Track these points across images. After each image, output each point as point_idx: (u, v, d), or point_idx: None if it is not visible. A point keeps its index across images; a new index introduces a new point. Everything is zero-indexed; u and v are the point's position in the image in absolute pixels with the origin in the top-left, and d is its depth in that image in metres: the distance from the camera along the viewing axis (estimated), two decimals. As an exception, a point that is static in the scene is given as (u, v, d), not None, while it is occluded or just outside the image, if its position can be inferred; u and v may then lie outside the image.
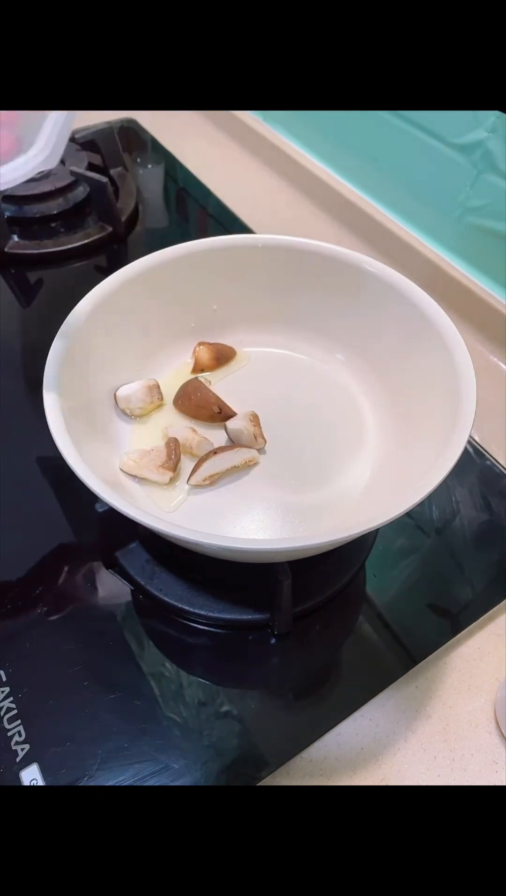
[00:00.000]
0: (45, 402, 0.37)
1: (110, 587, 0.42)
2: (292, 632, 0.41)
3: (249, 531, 0.40)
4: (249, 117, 0.80)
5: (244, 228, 0.68)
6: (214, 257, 0.47)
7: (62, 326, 0.40)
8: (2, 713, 0.37)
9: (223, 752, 0.36)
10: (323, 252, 0.47)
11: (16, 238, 0.65)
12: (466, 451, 0.46)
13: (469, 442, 0.47)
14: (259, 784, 0.36)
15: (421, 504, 0.33)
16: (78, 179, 0.68)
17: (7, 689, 0.38)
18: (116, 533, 0.42)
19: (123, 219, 0.67)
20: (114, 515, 0.33)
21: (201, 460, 0.41)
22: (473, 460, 0.50)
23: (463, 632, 0.42)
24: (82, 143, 0.69)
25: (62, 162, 0.69)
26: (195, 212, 0.73)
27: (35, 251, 0.63)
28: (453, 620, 0.42)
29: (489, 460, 0.50)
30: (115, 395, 0.44)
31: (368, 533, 0.36)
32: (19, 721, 0.37)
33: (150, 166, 0.78)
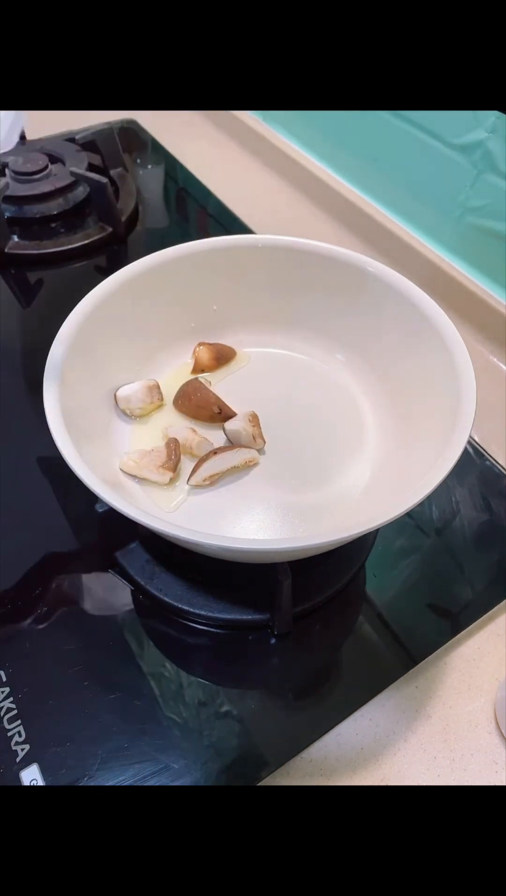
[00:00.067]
0: (45, 402, 0.37)
1: (110, 587, 0.42)
2: (292, 632, 0.41)
3: (249, 531, 0.40)
4: (249, 117, 0.80)
5: (244, 228, 0.68)
6: (215, 257, 0.47)
7: (62, 327, 0.41)
8: (2, 713, 0.37)
9: (223, 752, 0.36)
10: (323, 252, 0.47)
11: (16, 238, 0.65)
12: (466, 451, 0.46)
13: (469, 442, 0.47)
14: (259, 784, 0.36)
15: (421, 504, 0.33)
16: (78, 180, 0.68)
17: (7, 689, 0.38)
18: (116, 533, 0.42)
19: (123, 219, 0.67)
20: (114, 515, 0.33)
21: (201, 460, 0.41)
22: (473, 460, 0.50)
23: (463, 632, 0.42)
24: (82, 143, 0.69)
25: (62, 162, 0.69)
26: (195, 212, 0.73)
27: (35, 252, 0.63)
28: (453, 620, 0.42)
29: (489, 460, 0.50)
30: (115, 396, 0.44)
31: (369, 533, 0.36)
32: (19, 721, 0.37)
33: (150, 166, 0.79)
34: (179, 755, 0.36)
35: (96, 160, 0.71)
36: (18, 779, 0.35)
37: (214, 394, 0.45)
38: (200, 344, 0.48)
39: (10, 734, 0.36)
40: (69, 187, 0.68)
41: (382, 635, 0.42)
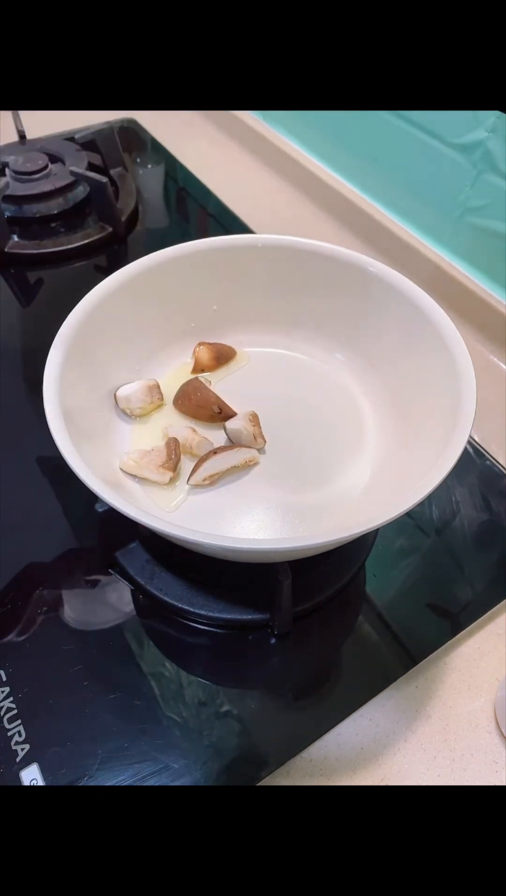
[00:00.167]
0: (45, 402, 0.36)
1: (110, 587, 0.42)
2: (292, 632, 0.41)
3: (249, 531, 0.40)
4: (249, 117, 0.80)
5: (244, 228, 0.68)
6: (215, 257, 0.47)
7: (62, 327, 0.40)
8: (2, 713, 0.37)
9: (223, 752, 0.36)
10: (323, 252, 0.47)
11: (16, 238, 0.65)
12: (466, 451, 0.46)
13: (469, 442, 0.47)
14: (259, 784, 0.36)
15: (421, 504, 0.33)
16: (78, 179, 0.68)
17: (7, 689, 0.38)
18: (116, 533, 0.42)
19: (123, 219, 0.67)
20: (114, 515, 0.33)
21: (201, 460, 0.41)
22: (473, 460, 0.50)
23: (463, 632, 0.42)
24: (82, 143, 0.69)
25: (62, 162, 0.69)
26: (195, 212, 0.73)
27: (35, 251, 0.63)
28: (453, 620, 0.42)
29: (489, 460, 0.50)
30: (115, 395, 0.44)
31: (369, 533, 0.36)
32: (19, 721, 0.37)
33: (150, 166, 0.79)
34: (179, 755, 0.36)
35: (96, 160, 0.71)
36: (18, 779, 0.35)
37: (214, 393, 0.45)
38: (200, 344, 0.48)
39: (10, 734, 0.36)
40: (69, 187, 0.67)
41: (382, 635, 0.42)
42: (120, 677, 0.39)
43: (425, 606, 0.43)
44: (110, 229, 0.66)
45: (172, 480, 0.42)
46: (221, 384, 0.47)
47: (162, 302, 0.47)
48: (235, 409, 0.45)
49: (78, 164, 0.68)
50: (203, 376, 0.47)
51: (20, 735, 0.36)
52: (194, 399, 0.45)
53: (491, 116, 0.53)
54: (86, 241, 0.65)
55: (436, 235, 0.63)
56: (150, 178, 0.77)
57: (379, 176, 0.67)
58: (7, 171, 0.67)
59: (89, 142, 0.69)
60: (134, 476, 0.41)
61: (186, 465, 0.43)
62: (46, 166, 0.67)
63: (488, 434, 0.52)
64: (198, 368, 0.48)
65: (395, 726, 0.39)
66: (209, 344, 0.48)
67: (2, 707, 0.37)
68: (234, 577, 0.41)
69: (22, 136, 0.73)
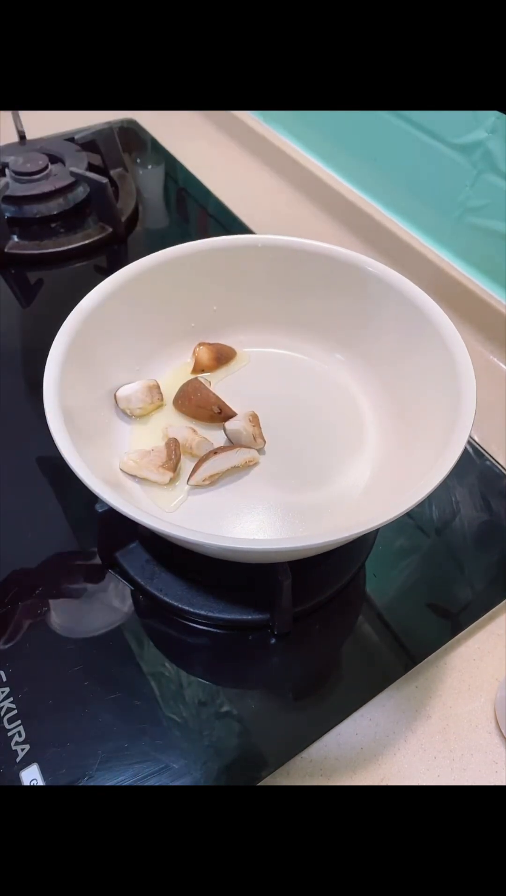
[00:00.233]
0: (45, 402, 0.37)
1: (110, 587, 0.42)
2: (292, 632, 0.41)
3: (249, 531, 0.40)
4: (249, 117, 0.80)
5: (244, 228, 0.68)
6: (215, 257, 0.47)
7: (62, 327, 0.41)
8: (2, 713, 0.37)
9: (223, 752, 0.36)
10: (323, 252, 0.47)
11: (16, 238, 0.65)
12: (466, 451, 0.46)
13: (469, 442, 0.47)
14: (259, 784, 0.36)
15: (421, 504, 0.33)
16: (78, 180, 0.68)
17: (7, 689, 0.38)
18: (116, 533, 0.42)
19: (123, 219, 0.67)
20: (114, 515, 0.33)
21: (201, 460, 0.41)
22: (473, 460, 0.50)
23: (463, 632, 0.42)
24: (82, 143, 0.69)
25: (62, 162, 0.69)
26: (195, 212, 0.73)
27: (35, 251, 0.63)
28: (453, 620, 0.42)
29: (489, 460, 0.50)
30: (115, 396, 0.44)
31: (369, 533, 0.36)
32: (19, 721, 0.37)
33: (150, 166, 0.79)
34: (179, 755, 0.36)
35: (96, 160, 0.71)
36: (18, 779, 0.35)
37: (214, 394, 0.45)
38: (200, 344, 0.48)
39: (10, 734, 0.36)
40: (69, 187, 0.67)
41: (382, 635, 0.42)
42: (120, 677, 0.39)
43: (424, 606, 0.43)
44: (110, 230, 0.66)
45: (172, 481, 0.42)
46: (221, 384, 0.47)
47: (162, 302, 0.47)
48: (234, 409, 0.45)
49: (78, 164, 0.68)
50: (203, 376, 0.47)
51: (20, 735, 0.36)
52: (194, 399, 0.45)
53: (491, 116, 0.53)
54: (86, 242, 0.65)
55: (436, 235, 0.63)
56: (150, 179, 0.77)
57: (379, 176, 0.67)
58: (7, 171, 0.67)
59: (89, 142, 0.69)
60: (134, 476, 0.41)
61: (186, 465, 0.43)
62: (46, 167, 0.67)
63: (488, 434, 0.52)
64: (198, 369, 0.48)
65: (395, 726, 0.39)
66: (209, 344, 0.48)
67: (2, 707, 0.37)
68: (234, 577, 0.41)
69: (22, 136, 0.73)
